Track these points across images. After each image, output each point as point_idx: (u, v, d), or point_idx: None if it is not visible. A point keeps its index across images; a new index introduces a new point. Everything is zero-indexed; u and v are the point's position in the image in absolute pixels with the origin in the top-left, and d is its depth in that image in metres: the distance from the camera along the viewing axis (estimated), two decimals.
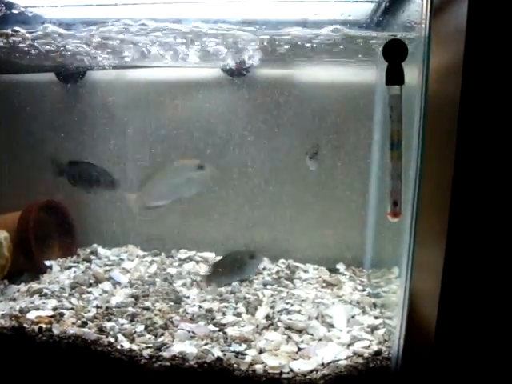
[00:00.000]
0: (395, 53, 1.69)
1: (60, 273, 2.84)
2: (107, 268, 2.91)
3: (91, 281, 2.70)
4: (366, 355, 1.92)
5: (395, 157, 1.76)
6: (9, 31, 2.07)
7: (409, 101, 1.74)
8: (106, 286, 2.65)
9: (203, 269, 2.93)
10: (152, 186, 2.54)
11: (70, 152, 3.06)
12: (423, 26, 1.67)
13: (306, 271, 2.94)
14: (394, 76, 1.71)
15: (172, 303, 2.44)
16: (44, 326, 2.10)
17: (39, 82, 3.12)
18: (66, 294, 2.51)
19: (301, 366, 1.89)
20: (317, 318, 2.28)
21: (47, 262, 2.92)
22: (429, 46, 1.68)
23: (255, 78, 2.93)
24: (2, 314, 2.24)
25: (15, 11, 1.92)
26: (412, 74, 1.72)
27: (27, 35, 2.08)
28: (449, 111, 1.59)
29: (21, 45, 2.17)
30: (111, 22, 2.01)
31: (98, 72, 3.03)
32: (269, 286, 2.68)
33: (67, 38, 2.05)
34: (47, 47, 2.15)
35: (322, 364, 1.90)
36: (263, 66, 2.84)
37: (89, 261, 3.03)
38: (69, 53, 2.33)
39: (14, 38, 2.15)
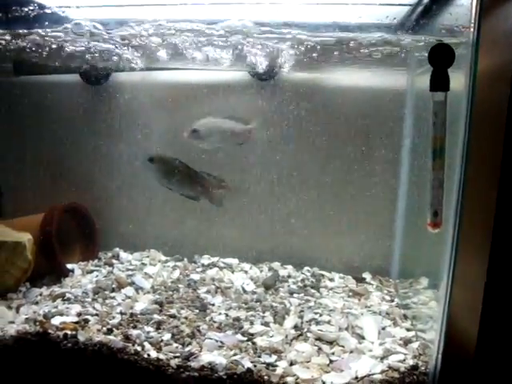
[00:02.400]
0: (441, 58, 1.64)
1: (82, 276, 2.80)
2: (129, 273, 2.86)
3: (114, 285, 2.66)
4: (401, 369, 1.86)
5: (438, 165, 1.70)
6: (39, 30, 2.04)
7: (453, 107, 1.68)
8: (129, 291, 2.61)
9: (227, 275, 2.88)
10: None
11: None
12: (471, 29, 1.60)
13: (331, 279, 2.88)
14: (439, 82, 1.66)
15: (197, 310, 2.39)
16: (69, 332, 2.06)
17: (64, 83, 3.09)
18: (90, 299, 2.47)
19: (334, 379, 1.84)
20: (347, 329, 2.22)
21: (69, 266, 2.88)
22: (477, 51, 1.61)
23: (282, 82, 2.87)
24: (26, 319, 2.21)
25: (47, 11, 1.89)
26: (457, 79, 1.66)
27: (57, 33, 2.04)
28: (495, 119, 1.53)
29: (49, 45, 2.14)
30: (144, 23, 1.96)
31: (122, 74, 3.00)
32: (295, 295, 2.61)
33: (99, 37, 2.00)
34: (76, 47, 2.11)
35: (356, 378, 1.85)
36: (291, 70, 2.80)
37: (111, 265, 2.98)
38: (97, 54, 2.28)
39: (40, 39, 2.13)
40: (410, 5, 2.20)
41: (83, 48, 2.14)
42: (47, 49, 2.16)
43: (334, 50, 2.21)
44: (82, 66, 2.74)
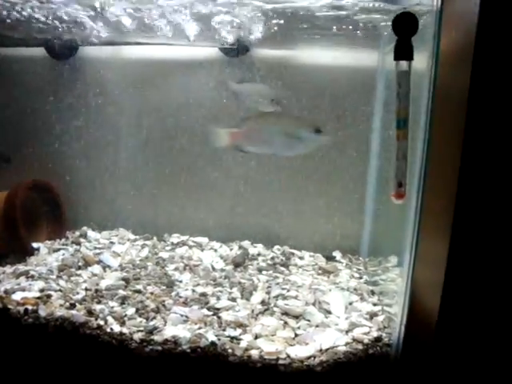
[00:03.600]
0: (405, 26, 1.63)
1: (48, 255, 2.74)
2: (97, 251, 2.81)
3: (80, 263, 2.61)
4: (365, 341, 1.87)
5: (401, 135, 1.70)
6: None
7: (417, 81, 1.67)
8: (96, 268, 2.56)
9: (196, 254, 2.85)
10: (254, 128, 2.22)
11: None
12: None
13: (301, 258, 2.87)
14: (403, 51, 1.65)
15: (164, 287, 2.36)
16: (30, 307, 2.02)
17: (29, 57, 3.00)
18: (54, 276, 2.42)
19: (298, 351, 1.84)
20: (314, 304, 2.22)
21: (34, 244, 2.82)
22: (440, 22, 1.61)
23: (253, 58, 2.84)
24: None
25: None
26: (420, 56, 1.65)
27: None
28: (458, 93, 1.52)
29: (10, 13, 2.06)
30: None
31: (90, 48, 2.93)
32: (264, 272, 2.60)
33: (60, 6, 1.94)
34: (38, 15, 2.04)
35: (320, 350, 1.85)
36: (262, 45, 2.76)
37: (78, 244, 2.92)
38: (60, 24, 2.22)
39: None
40: None
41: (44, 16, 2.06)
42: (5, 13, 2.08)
43: (302, 22, 2.17)
44: (47, 39, 2.65)
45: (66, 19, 2.16)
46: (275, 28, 2.28)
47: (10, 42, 2.70)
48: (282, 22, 2.15)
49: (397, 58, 1.65)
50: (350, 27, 2.34)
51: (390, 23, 1.90)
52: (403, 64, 1.66)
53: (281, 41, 2.60)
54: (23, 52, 2.97)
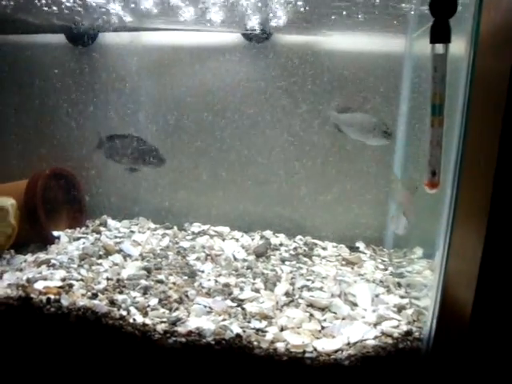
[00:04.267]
0: (443, 7, 1.54)
1: (68, 244, 2.73)
2: (117, 240, 2.78)
3: (101, 252, 2.59)
4: (395, 335, 1.81)
5: (436, 122, 1.62)
6: None
7: (454, 66, 1.60)
8: (117, 258, 2.54)
9: (217, 243, 2.81)
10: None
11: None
12: None
13: (324, 248, 2.82)
14: (440, 33, 1.57)
15: (186, 277, 2.32)
16: (52, 296, 2.00)
17: (48, 43, 2.97)
18: (75, 265, 2.39)
19: (325, 345, 1.79)
20: (339, 296, 2.17)
21: (55, 233, 2.80)
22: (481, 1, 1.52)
23: (277, 44, 2.77)
24: (9, 284, 2.14)
25: None
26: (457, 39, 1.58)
27: None
28: (497, 78, 1.44)
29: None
30: None
31: (111, 35, 2.88)
32: (287, 262, 2.55)
33: None
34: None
35: (348, 344, 1.80)
36: (285, 31, 2.69)
37: (98, 232, 2.90)
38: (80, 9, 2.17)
39: None
40: None
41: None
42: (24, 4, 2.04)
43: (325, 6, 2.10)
44: (67, 25, 2.61)
45: (85, 5, 2.10)
46: (299, 13, 2.20)
47: (30, 28, 2.66)
48: (305, 7, 2.07)
49: (433, 40, 1.57)
50: (376, 12, 2.25)
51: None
52: (439, 47, 1.58)
53: (304, 26, 2.53)
54: (43, 38, 2.95)
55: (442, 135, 1.62)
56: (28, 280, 2.14)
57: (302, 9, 2.08)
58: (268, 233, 2.96)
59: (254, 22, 2.38)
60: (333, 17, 2.32)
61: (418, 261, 2.23)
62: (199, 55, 2.88)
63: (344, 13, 2.26)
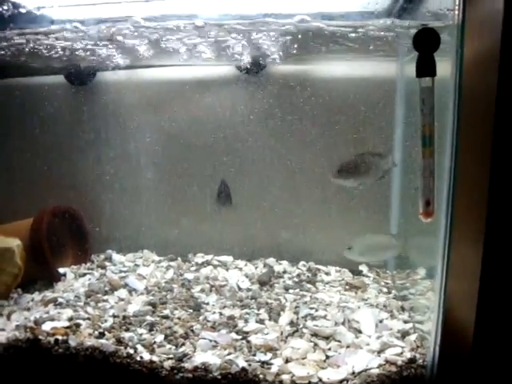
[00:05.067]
0: (427, 42, 1.60)
1: (74, 280, 2.77)
2: (122, 274, 2.83)
3: (106, 288, 2.63)
4: (399, 363, 1.82)
5: (427, 153, 1.67)
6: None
7: (440, 95, 1.64)
8: (122, 293, 2.58)
9: (221, 273, 2.84)
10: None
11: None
12: (456, 12, 1.56)
13: (327, 273, 2.85)
14: (426, 67, 1.62)
15: (191, 310, 2.35)
16: (60, 337, 2.03)
17: (48, 84, 3.04)
18: (82, 303, 2.43)
19: (330, 375, 1.80)
20: (343, 324, 2.18)
21: (61, 270, 2.85)
22: (462, 35, 1.57)
23: (270, 75, 2.83)
24: (17, 326, 2.17)
25: (23, 10, 1.85)
26: (443, 65, 1.62)
27: (37, 36, 2.00)
28: (484, 104, 1.49)
29: (29, 45, 2.09)
30: (122, 20, 1.92)
31: (108, 73, 2.96)
32: (291, 290, 2.58)
33: (77, 37, 1.96)
34: (57, 46, 2.07)
35: (353, 373, 1.81)
36: (278, 61, 2.76)
37: (103, 267, 2.95)
38: (78, 52, 2.24)
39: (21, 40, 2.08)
40: None
41: (64, 47, 2.09)
42: (27, 50, 2.11)
43: (319, 39, 2.16)
44: (66, 67, 2.68)
45: (83, 49, 2.18)
46: (291, 46, 2.26)
47: (30, 71, 2.75)
48: (297, 43, 2.14)
49: (419, 74, 1.63)
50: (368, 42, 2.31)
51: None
52: (426, 80, 1.63)
53: (297, 56, 2.59)
54: (42, 80, 3.03)
55: (433, 166, 1.67)
56: (36, 322, 2.17)
57: (294, 45, 2.13)
58: (271, 260, 2.99)
59: (246, 57, 2.43)
60: (323, 48, 2.38)
61: (420, 282, 2.25)
62: (195, 88, 2.94)
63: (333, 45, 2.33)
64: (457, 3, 1.55)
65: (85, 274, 2.85)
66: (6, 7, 1.79)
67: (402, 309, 2.34)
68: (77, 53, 2.22)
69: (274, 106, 2.84)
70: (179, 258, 3.08)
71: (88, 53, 2.21)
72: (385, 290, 2.62)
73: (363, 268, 2.90)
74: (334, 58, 2.76)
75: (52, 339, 2.02)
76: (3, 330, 2.17)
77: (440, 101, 1.65)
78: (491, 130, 1.44)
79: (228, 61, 2.63)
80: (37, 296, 2.56)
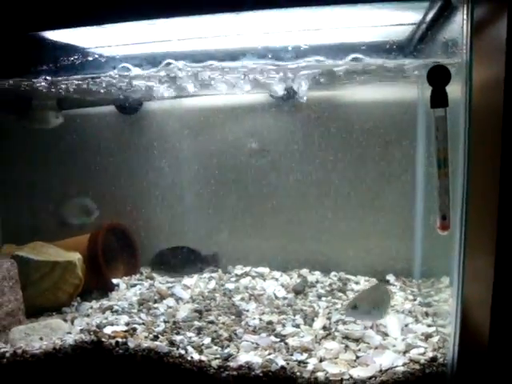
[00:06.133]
0: (439, 78, 1.82)
1: (126, 290, 3.06)
2: (169, 285, 3.11)
3: (156, 297, 2.89)
4: (422, 361, 2.02)
5: (442, 174, 1.87)
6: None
7: (454, 118, 1.85)
8: (170, 301, 2.84)
9: (259, 283, 3.09)
10: None
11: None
12: (464, 51, 1.79)
13: (357, 283, 3.06)
14: (439, 99, 1.84)
15: (234, 316, 2.60)
16: (120, 339, 2.28)
17: (101, 113, 3.38)
18: (135, 310, 2.70)
19: (360, 372, 2.01)
20: (372, 328, 2.39)
21: (114, 281, 3.15)
22: (471, 70, 1.79)
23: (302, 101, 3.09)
24: (81, 330, 2.44)
25: (90, 58, 2.16)
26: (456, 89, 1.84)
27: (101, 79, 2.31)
28: (492, 125, 1.68)
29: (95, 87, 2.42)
30: (174, 62, 2.21)
31: (153, 102, 3.28)
32: (323, 298, 2.81)
33: (134, 78, 2.27)
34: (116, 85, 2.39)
35: (380, 371, 2.01)
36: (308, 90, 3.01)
37: (151, 278, 3.24)
38: (133, 88, 2.55)
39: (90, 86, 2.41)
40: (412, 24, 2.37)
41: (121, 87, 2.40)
42: (89, 88, 2.43)
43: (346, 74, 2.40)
44: (118, 99, 3.01)
45: (135, 86, 2.49)
46: (319, 78, 2.51)
47: (86, 103, 3.09)
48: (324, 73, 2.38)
49: (433, 106, 1.85)
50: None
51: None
52: (439, 110, 1.85)
53: (325, 84, 2.84)
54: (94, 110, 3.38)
55: (448, 185, 1.87)
56: (98, 326, 2.44)
57: (321, 79, 2.37)
58: (305, 271, 3.23)
59: (279, 87, 2.68)
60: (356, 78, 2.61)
61: (444, 290, 2.42)
62: (234, 114, 3.23)
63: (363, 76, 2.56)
64: (464, 43, 1.78)
65: (135, 285, 3.14)
66: (76, 56, 2.11)
67: (426, 314, 2.53)
68: (132, 88, 2.52)
69: (304, 129, 3.10)
70: (220, 270, 3.34)
71: (143, 88, 2.51)
72: (410, 297, 2.80)
73: (390, 277, 3.10)
74: (359, 84, 2.98)
75: (113, 341, 2.27)
76: (70, 333, 2.46)
77: (454, 123, 1.85)
78: (499, 149, 1.64)
79: (263, 90, 2.89)
80: (95, 304, 2.85)
